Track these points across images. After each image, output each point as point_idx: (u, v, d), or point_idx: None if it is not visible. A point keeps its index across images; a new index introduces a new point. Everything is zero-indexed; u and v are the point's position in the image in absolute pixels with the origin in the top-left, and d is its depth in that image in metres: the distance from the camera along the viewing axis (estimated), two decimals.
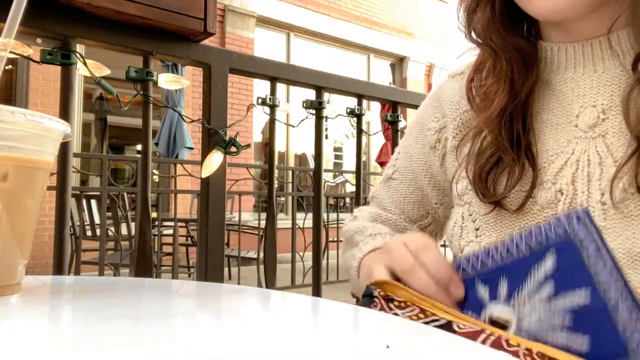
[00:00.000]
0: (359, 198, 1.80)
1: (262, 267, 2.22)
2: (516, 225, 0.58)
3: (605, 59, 0.56)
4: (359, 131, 1.75)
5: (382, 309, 0.46)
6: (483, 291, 0.46)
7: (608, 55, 0.55)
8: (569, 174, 0.55)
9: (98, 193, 3.42)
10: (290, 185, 4.30)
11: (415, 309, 0.45)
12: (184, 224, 4.27)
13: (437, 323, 0.43)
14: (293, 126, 1.67)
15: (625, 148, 0.52)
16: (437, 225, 0.76)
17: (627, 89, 0.52)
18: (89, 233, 3.69)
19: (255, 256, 3.84)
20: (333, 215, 4.35)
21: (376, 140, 7.03)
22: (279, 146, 6.79)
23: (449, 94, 0.70)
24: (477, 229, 0.61)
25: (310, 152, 7.15)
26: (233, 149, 1.35)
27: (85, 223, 3.69)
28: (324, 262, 3.03)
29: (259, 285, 3.41)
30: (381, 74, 7.99)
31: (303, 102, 1.61)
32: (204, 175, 1.33)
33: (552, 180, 0.56)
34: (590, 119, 0.55)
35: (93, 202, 3.67)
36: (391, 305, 0.46)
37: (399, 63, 8.29)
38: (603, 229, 0.51)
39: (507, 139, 0.58)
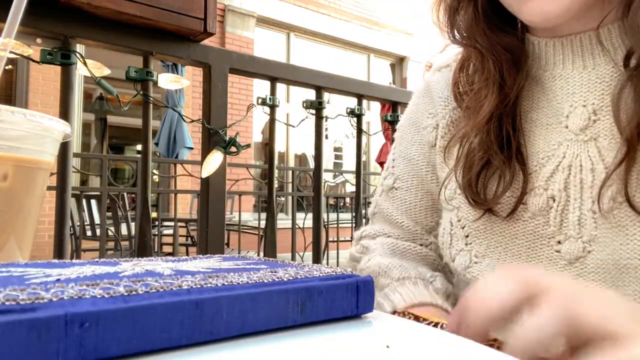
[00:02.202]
0: (359, 198, 1.80)
1: None
2: (507, 233, 0.56)
3: (595, 54, 0.52)
4: (359, 131, 1.75)
5: None
6: None
7: (598, 50, 0.52)
8: (561, 179, 0.52)
9: (98, 193, 3.42)
10: (290, 185, 4.30)
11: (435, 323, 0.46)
12: (184, 224, 4.27)
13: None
14: (293, 126, 1.67)
15: (616, 152, 0.49)
16: None
17: (617, 88, 0.49)
18: (89, 233, 3.69)
19: (255, 256, 3.83)
20: (333, 215, 4.35)
21: (376, 140, 7.03)
22: (279, 146, 6.79)
23: (437, 89, 0.66)
24: (467, 236, 0.59)
25: (310, 152, 7.15)
26: (233, 149, 1.35)
27: (85, 223, 3.69)
28: (324, 262, 3.03)
29: None
30: (381, 74, 7.99)
31: (303, 102, 1.61)
32: (204, 175, 1.33)
33: (543, 185, 0.53)
34: (581, 120, 0.52)
35: (93, 202, 3.67)
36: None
37: (399, 63, 8.29)
38: (594, 239, 0.50)
39: (496, 142, 0.55)
